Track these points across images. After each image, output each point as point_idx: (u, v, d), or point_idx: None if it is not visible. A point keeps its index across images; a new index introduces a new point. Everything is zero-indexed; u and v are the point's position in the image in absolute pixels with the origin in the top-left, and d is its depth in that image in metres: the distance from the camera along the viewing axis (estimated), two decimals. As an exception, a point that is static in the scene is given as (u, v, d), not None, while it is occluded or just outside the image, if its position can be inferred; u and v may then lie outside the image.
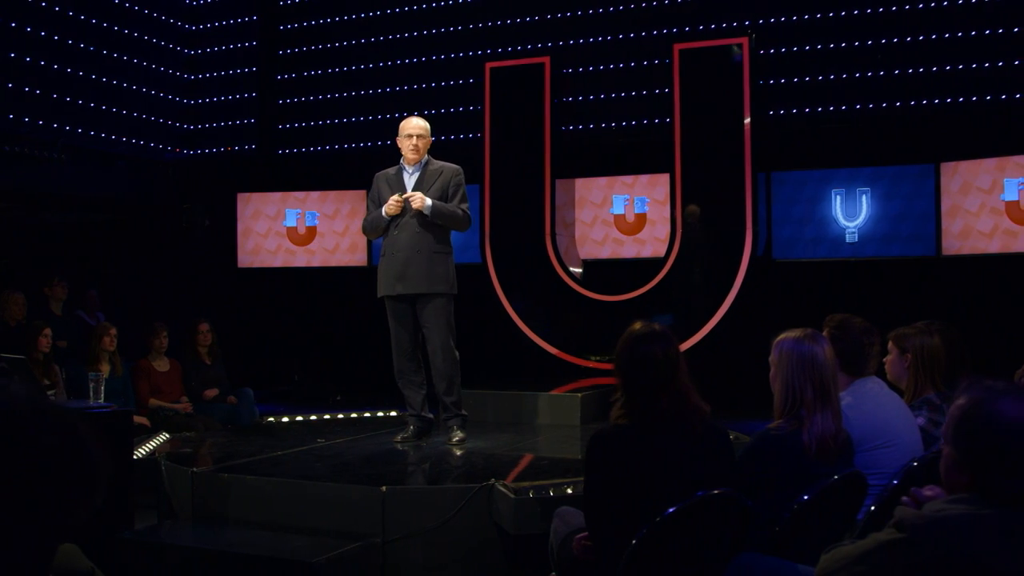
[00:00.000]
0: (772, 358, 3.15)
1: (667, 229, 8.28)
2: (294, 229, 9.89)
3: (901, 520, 2.06)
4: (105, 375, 7.06)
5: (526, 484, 4.33)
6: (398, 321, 5.55)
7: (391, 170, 5.74)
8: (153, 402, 7.35)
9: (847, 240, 8.07)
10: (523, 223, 8.60)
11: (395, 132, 5.82)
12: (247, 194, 9.98)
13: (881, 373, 3.84)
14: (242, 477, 4.66)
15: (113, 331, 7.18)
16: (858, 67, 8.25)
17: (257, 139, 10.50)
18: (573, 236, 8.93)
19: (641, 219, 8.75)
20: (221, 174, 10.37)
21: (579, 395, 6.66)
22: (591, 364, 8.14)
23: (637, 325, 2.96)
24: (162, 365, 7.56)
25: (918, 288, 7.82)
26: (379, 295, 5.63)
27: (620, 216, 8.79)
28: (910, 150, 7.89)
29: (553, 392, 6.93)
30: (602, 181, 8.80)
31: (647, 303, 8.13)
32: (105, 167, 9.64)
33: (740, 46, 7.93)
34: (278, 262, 9.97)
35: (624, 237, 8.81)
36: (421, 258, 5.42)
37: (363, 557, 4.14)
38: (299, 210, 9.90)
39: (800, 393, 3.03)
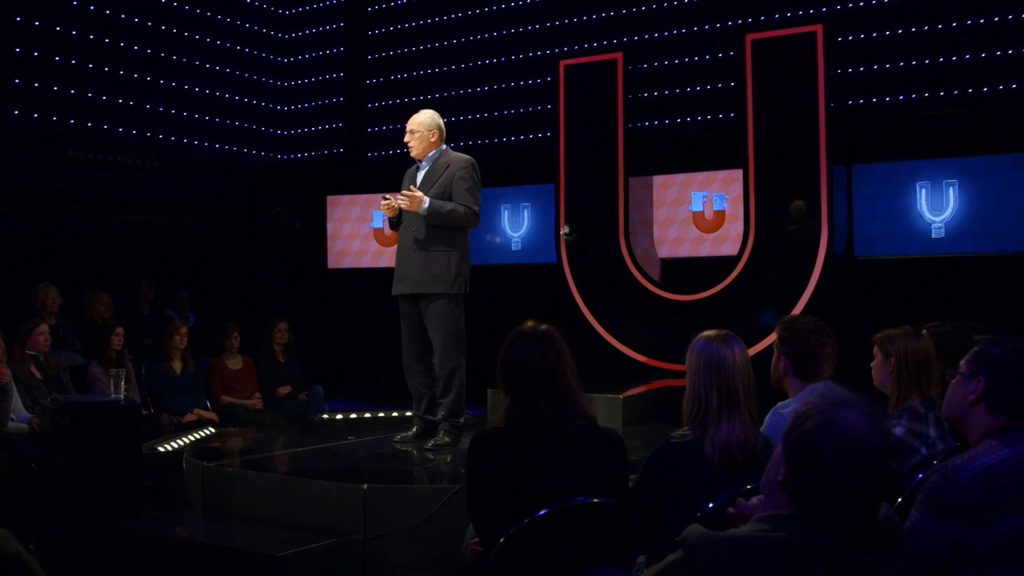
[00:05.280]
0: (686, 360, 2.98)
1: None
2: (380, 230, 10.08)
3: (682, 539, 1.94)
4: (177, 372, 7.48)
5: (502, 486, 4.24)
6: (405, 320, 5.46)
7: (413, 167, 5.66)
8: (225, 399, 7.66)
9: (932, 235, 7.55)
10: (597, 222, 8.50)
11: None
12: (336, 196, 10.25)
13: (859, 378, 3.56)
14: (244, 472, 4.79)
15: (184, 330, 7.52)
16: (942, 51, 7.71)
17: (346, 143, 10.77)
18: (652, 235, 8.74)
19: (720, 216, 8.49)
20: (311, 177, 10.69)
21: (621, 397, 6.47)
22: (669, 366, 7.93)
23: (528, 324, 2.85)
24: (235, 363, 7.85)
25: (1014, 286, 7.24)
26: None
27: (699, 213, 8.55)
28: (1002, 138, 7.30)
29: (603, 394, 6.72)
30: (679, 178, 8.58)
31: (721, 303, 7.89)
32: (199, 172, 10.12)
33: (814, 34, 7.58)
34: (365, 263, 10.19)
35: (704, 235, 8.57)
36: (418, 258, 5.26)
37: (340, 553, 4.17)
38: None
39: (706, 399, 2.85)
